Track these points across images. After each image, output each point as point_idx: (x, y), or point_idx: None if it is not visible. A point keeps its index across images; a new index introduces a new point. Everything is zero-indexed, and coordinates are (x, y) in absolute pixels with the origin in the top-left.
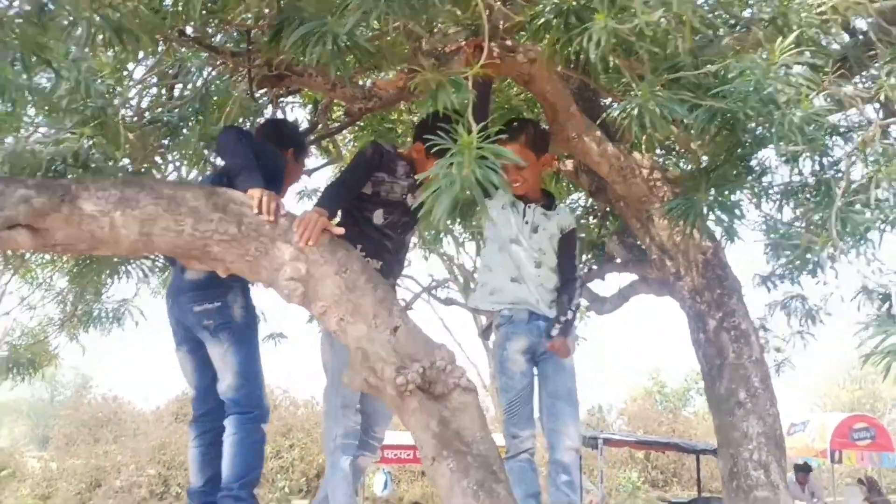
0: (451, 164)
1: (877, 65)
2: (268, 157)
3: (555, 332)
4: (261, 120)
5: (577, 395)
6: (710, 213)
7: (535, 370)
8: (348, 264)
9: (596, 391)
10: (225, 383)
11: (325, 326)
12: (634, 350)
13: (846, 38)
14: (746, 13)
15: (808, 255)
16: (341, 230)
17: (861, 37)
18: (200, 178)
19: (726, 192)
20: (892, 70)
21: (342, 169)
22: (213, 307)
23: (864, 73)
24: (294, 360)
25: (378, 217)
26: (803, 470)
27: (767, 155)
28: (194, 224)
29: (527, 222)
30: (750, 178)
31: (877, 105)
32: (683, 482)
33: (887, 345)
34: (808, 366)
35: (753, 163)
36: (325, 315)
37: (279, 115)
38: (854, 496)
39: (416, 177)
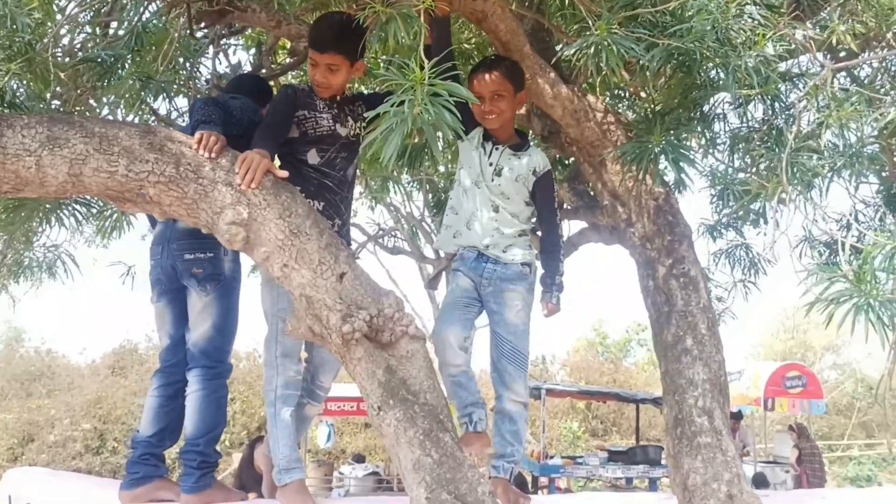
0: (402, 101)
1: (828, 9)
2: (245, 111)
3: (555, 299)
4: (203, 62)
5: (524, 349)
6: (663, 157)
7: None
8: (292, 208)
9: (539, 342)
10: (197, 332)
11: (268, 273)
12: (577, 302)
13: None
14: None
15: (755, 204)
16: (284, 172)
17: None
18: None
19: (680, 136)
20: (842, 15)
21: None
22: (205, 257)
23: (815, 19)
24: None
25: (313, 157)
26: (734, 417)
27: (719, 100)
28: (128, 165)
29: (490, 164)
30: (702, 123)
31: (828, 52)
32: (622, 431)
33: (831, 292)
34: (744, 316)
35: (706, 108)
36: (268, 261)
37: (220, 58)
38: (784, 442)
39: (339, 101)
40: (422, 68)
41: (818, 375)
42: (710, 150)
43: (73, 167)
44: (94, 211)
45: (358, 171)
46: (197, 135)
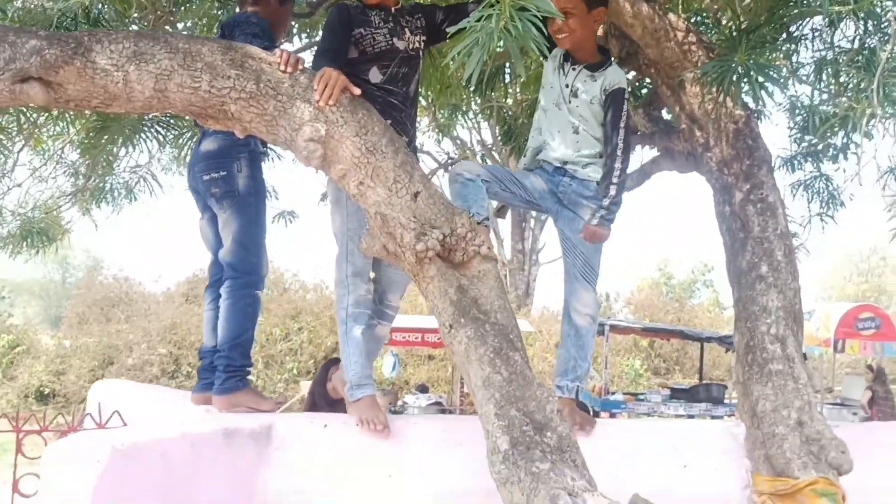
0: (487, 16)
1: None
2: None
3: (595, 220)
4: None
5: (595, 264)
6: (746, 77)
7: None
8: (369, 126)
9: (603, 280)
10: (224, 247)
11: (336, 193)
12: (642, 241)
13: None
14: None
15: (837, 137)
16: (359, 91)
17: None
18: None
19: (765, 56)
20: None
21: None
22: (219, 176)
23: None
24: (304, 242)
25: (375, 75)
26: None
27: (806, 22)
28: (211, 81)
29: (567, 85)
30: (789, 43)
31: None
32: (685, 370)
33: None
34: (817, 258)
35: (792, 29)
36: (345, 178)
37: None
38: (854, 385)
39: (394, 13)
40: None
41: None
42: (796, 74)
43: (158, 82)
44: (171, 137)
45: (425, 100)
46: (278, 52)
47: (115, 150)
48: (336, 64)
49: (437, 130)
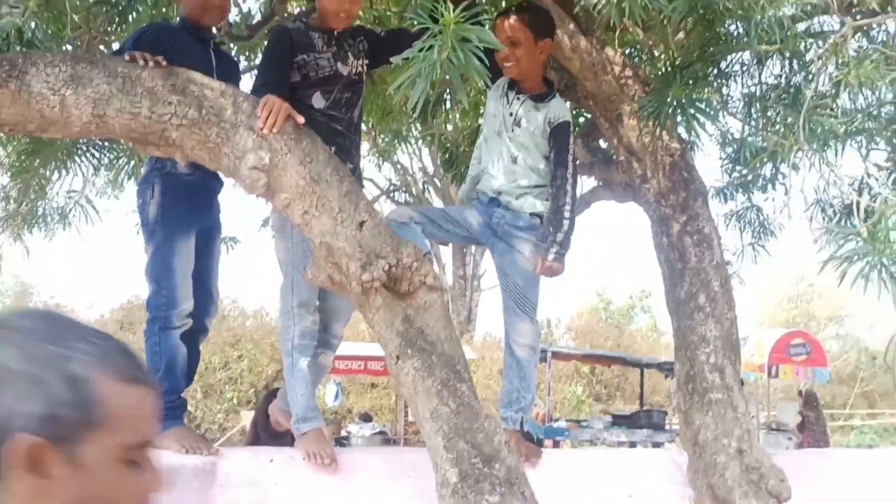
0: (430, 46)
1: None
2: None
3: (550, 256)
4: None
5: (533, 297)
6: (681, 110)
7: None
8: (313, 154)
9: (544, 306)
10: None
11: (280, 222)
12: (581, 268)
13: None
14: None
15: (766, 167)
16: (302, 118)
17: None
18: None
19: (697, 92)
20: None
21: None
22: (138, 205)
23: None
24: (245, 268)
25: (318, 100)
26: None
27: (736, 58)
28: (151, 106)
29: (511, 114)
30: (720, 79)
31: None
32: (626, 396)
33: (845, 250)
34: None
35: (723, 65)
36: (289, 207)
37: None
38: (787, 410)
39: (337, 37)
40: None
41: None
42: (727, 108)
43: (96, 107)
44: (107, 161)
45: (366, 125)
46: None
47: (47, 173)
48: (279, 92)
49: (378, 156)
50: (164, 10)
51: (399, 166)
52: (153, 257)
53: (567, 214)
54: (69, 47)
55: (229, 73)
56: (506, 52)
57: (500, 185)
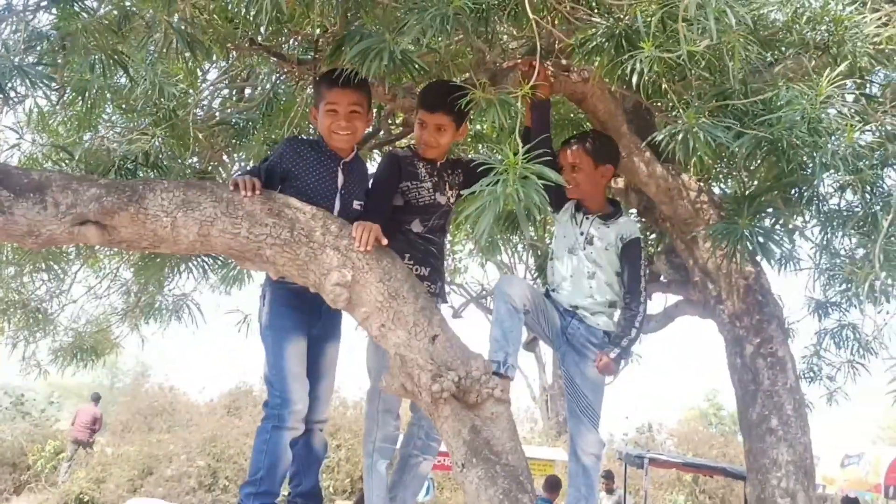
0: (497, 182)
1: None
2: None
3: (613, 353)
4: None
5: (598, 406)
6: (751, 238)
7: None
8: (392, 272)
9: (646, 410)
10: None
11: (367, 332)
12: (690, 370)
13: None
14: (805, 33)
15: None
16: (386, 241)
17: None
18: None
19: (765, 219)
20: None
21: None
22: (258, 311)
23: None
24: (347, 360)
25: (416, 226)
26: (848, 503)
27: (819, 183)
28: (249, 228)
29: (582, 233)
30: (793, 207)
31: None
32: None
33: None
34: (870, 397)
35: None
36: (368, 320)
37: None
38: None
39: (439, 168)
40: (515, 153)
41: None
42: (803, 231)
43: (202, 228)
44: (219, 263)
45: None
46: (240, 181)
47: (164, 273)
48: (383, 213)
49: (480, 255)
50: (277, 130)
51: (503, 265)
52: (267, 361)
53: (637, 325)
54: (193, 160)
55: (355, 186)
56: (566, 175)
57: (577, 300)
